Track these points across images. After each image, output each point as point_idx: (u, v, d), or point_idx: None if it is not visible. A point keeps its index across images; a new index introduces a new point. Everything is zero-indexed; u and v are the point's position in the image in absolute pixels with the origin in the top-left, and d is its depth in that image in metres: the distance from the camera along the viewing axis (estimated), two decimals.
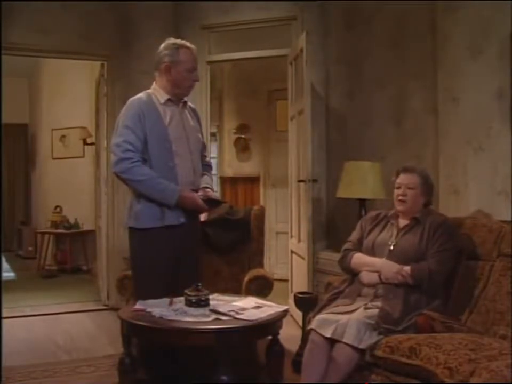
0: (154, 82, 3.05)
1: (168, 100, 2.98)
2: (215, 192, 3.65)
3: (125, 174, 2.88)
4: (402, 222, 2.99)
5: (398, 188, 3.00)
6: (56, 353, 4.07)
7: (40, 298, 5.92)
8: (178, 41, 3.04)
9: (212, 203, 3.01)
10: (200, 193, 2.98)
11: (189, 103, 3.16)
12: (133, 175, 2.86)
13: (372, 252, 2.96)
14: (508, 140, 3.49)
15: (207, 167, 3.23)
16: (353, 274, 2.98)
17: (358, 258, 2.98)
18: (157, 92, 3.00)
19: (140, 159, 2.87)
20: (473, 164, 3.58)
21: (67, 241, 7.71)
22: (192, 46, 3.04)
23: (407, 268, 2.79)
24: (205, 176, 3.13)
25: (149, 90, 3.03)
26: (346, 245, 3.10)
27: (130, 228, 3.00)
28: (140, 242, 2.97)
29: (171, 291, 2.80)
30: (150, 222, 2.91)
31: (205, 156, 3.25)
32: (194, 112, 3.17)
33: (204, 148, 3.23)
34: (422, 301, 2.74)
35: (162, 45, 3.02)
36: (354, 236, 3.12)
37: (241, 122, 7.61)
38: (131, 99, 3.01)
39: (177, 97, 3.01)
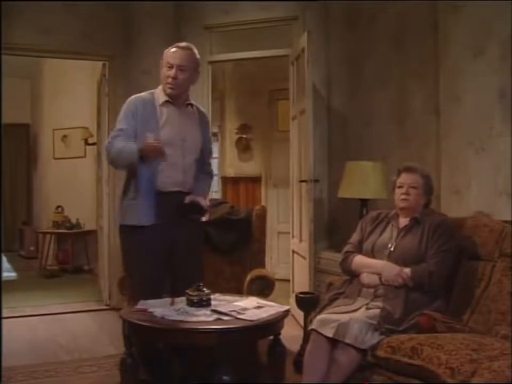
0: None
1: (166, 101, 2.96)
2: (215, 191, 3.63)
3: (108, 154, 2.92)
4: (403, 222, 2.98)
5: (400, 187, 2.98)
6: (57, 353, 4.07)
7: (41, 298, 5.92)
8: (179, 43, 3.02)
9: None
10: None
11: (198, 106, 3.14)
12: (110, 151, 2.88)
13: (371, 254, 2.95)
14: (509, 140, 3.48)
15: (206, 175, 3.17)
16: (354, 276, 2.97)
17: (359, 260, 2.97)
18: (159, 92, 3.00)
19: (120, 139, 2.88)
20: (474, 164, 3.58)
21: (69, 241, 7.71)
22: (185, 45, 2.98)
23: (407, 270, 2.78)
24: (201, 184, 3.08)
25: (154, 90, 3.03)
26: (347, 247, 3.09)
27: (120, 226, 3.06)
28: (122, 239, 3.04)
29: (160, 290, 2.82)
30: (131, 219, 2.93)
31: (208, 164, 3.19)
32: (201, 115, 3.13)
33: (207, 154, 3.17)
34: (423, 301, 2.73)
35: None
36: (355, 237, 3.11)
37: (242, 122, 7.61)
38: (131, 97, 3.03)
39: (172, 98, 2.97)
